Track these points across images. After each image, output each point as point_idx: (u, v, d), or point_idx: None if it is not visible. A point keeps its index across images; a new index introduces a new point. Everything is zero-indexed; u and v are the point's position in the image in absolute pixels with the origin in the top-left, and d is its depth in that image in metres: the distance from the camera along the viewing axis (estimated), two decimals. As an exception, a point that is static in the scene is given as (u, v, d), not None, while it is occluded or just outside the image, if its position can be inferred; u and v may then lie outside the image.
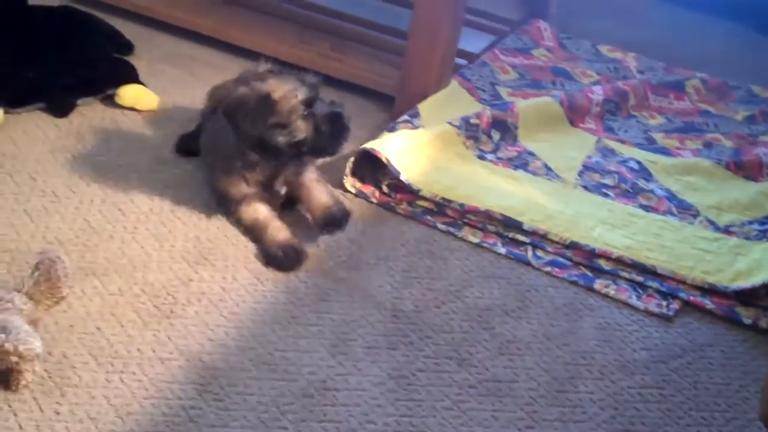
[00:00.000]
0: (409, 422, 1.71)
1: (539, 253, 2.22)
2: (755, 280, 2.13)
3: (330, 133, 2.06)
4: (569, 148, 2.65)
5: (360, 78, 2.82)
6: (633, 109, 2.93)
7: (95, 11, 2.90)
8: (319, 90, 2.10)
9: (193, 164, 2.35)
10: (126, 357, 1.76)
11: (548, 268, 2.17)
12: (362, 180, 2.35)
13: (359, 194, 2.32)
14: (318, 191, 2.16)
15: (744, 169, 2.63)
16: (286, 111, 2.02)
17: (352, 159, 2.32)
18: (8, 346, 1.53)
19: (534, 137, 2.66)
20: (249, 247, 2.10)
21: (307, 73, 2.12)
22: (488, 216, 2.27)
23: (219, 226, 2.15)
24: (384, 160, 2.28)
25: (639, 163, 2.62)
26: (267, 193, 2.16)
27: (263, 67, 2.28)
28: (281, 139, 2.03)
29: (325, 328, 1.90)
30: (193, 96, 2.66)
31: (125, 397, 1.67)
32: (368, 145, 2.32)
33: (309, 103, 2.04)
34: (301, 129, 2.03)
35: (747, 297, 2.13)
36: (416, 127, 2.51)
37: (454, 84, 2.81)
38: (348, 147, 2.20)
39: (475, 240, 2.23)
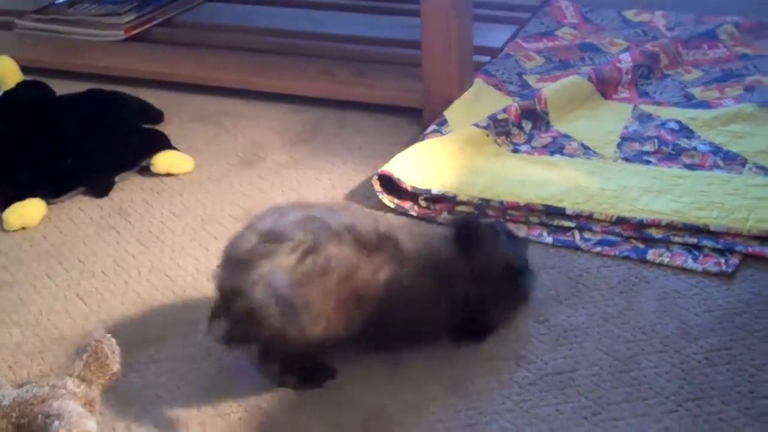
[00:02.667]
0: (471, 431, 1.69)
1: (587, 234, 2.18)
2: (814, 217, 2.05)
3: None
4: (605, 123, 2.60)
5: (386, 98, 2.84)
6: (667, 68, 2.87)
7: (122, 87, 2.96)
8: None
9: (236, 218, 2.38)
10: (186, 419, 1.78)
11: (598, 249, 2.13)
12: (399, 196, 2.35)
13: (399, 209, 2.32)
14: None
15: (790, 104, 2.54)
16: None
17: (375, 179, 2.32)
18: (62, 431, 1.57)
19: (567, 119, 2.63)
20: (296, 287, 2.11)
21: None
22: (529, 208, 2.24)
23: (264, 272, 2.16)
24: (396, 179, 2.28)
25: (678, 122, 2.55)
26: None
27: None
28: None
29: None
30: (227, 150, 2.72)
31: (191, 459, 1.70)
32: (382, 168, 2.33)
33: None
34: None
35: (809, 236, 2.05)
36: (444, 135, 2.49)
37: (478, 83, 2.79)
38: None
39: (521, 235, 2.20)
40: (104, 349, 1.77)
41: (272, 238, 1.69)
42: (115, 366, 1.79)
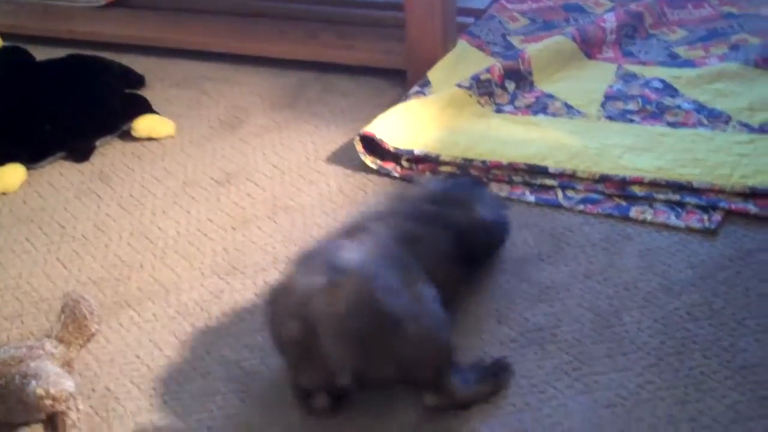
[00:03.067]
0: (452, 388, 1.68)
1: (569, 193, 2.17)
2: (797, 173, 2.04)
3: None
4: (589, 82, 2.58)
5: (369, 60, 2.81)
6: (651, 28, 2.85)
7: (102, 53, 2.94)
8: None
9: (217, 181, 2.37)
10: (166, 378, 1.78)
11: (581, 207, 2.12)
12: (382, 157, 2.33)
13: (381, 170, 2.30)
14: None
15: (775, 62, 2.52)
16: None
17: (357, 139, 2.31)
18: (40, 391, 1.57)
19: (551, 79, 2.61)
20: (277, 249, 2.10)
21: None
22: (512, 168, 2.23)
23: (246, 234, 2.15)
24: (378, 140, 2.26)
25: (662, 81, 2.54)
26: None
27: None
28: None
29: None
30: (208, 114, 2.70)
31: (170, 418, 1.69)
32: (364, 129, 2.31)
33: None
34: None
35: (793, 193, 2.04)
36: (427, 96, 2.47)
37: (462, 44, 2.76)
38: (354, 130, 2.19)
39: (503, 194, 2.19)
40: (82, 310, 1.76)
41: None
42: (93, 327, 1.79)
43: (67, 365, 1.71)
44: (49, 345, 1.70)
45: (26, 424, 1.69)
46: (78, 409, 1.68)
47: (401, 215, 1.79)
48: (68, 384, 1.61)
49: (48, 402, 1.58)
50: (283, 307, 1.59)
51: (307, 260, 1.64)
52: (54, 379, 1.59)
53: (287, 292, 1.59)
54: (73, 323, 1.76)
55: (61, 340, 1.74)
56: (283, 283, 1.64)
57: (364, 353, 1.51)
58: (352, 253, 1.59)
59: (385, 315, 1.51)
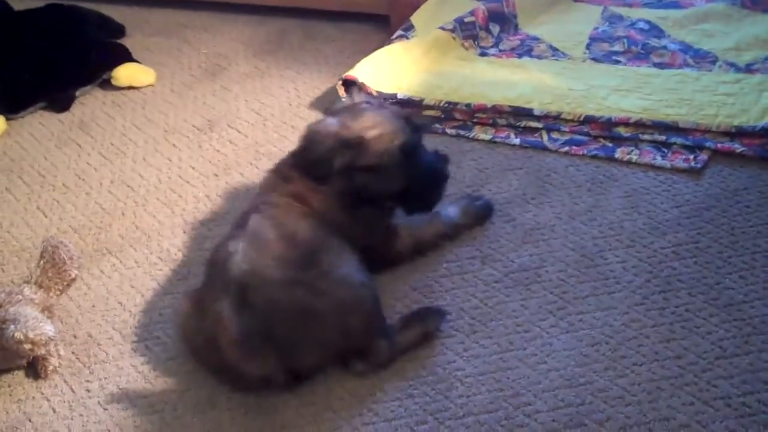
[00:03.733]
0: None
1: (554, 135, 2.15)
2: (783, 112, 2.02)
3: (426, 190, 1.79)
4: (574, 24, 2.55)
5: (352, 5, 2.78)
6: (637, -30, 2.80)
7: (82, 2, 2.89)
8: (423, 135, 1.80)
9: (199, 129, 2.34)
10: (148, 324, 1.77)
11: (566, 148, 2.10)
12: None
13: (364, 115, 2.27)
14: None
15: (762, 2, 2.48)
16: (379, 154, 1.69)
17: (339, 83, 2.28)
18: (18, 335, 1.55)
19: (536, 21, 2.58)
20: (260, 195, 2.08)
21: (411, 115, 1.82)
22: (497, 110, 2.20)
23: (228, 181, 2.14)
24: (360, 84, 2.24)
25: (648, 22, 2.51)
26: None
27: (359, 97, 1.92)
28: (370, 184, 1.71)
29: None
30: (190, 62, 2.67)
31: (151, 361, 1.68)
32: (347, 73, 2.29)
33: (408, 151, 1.72)
34: (395, 178, 1.72)
35: (779, 132, 2.02)
36: (410, 40, 2.44)
37: (446, -13, 2.72)
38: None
39: (487, 137, 2.17)
40: (61, 255, 1.75)
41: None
42: (73, 271, 1.77)
43: (47, 311, 1.69)
44: (28, 290, 1.69)
45: (8, 370, 1.68)
46: (59, 355, 1.67)
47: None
48: (47, 328, 1.59)
49: (27, 346, 1.57)
50: (199, 339, 1.59)
51: (210, 278, 1.62)
52: (33, 323, 1.57)
53: (200, 319, 1.57)
54: (53, 268, 1.74)
55: (40, 286, 1.72)
56: (191, 312, 1.62)
57: (286, 354, 1.52)
58: (238, 265, 1.54)
59: (289, 312, 1.51)
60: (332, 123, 1.71)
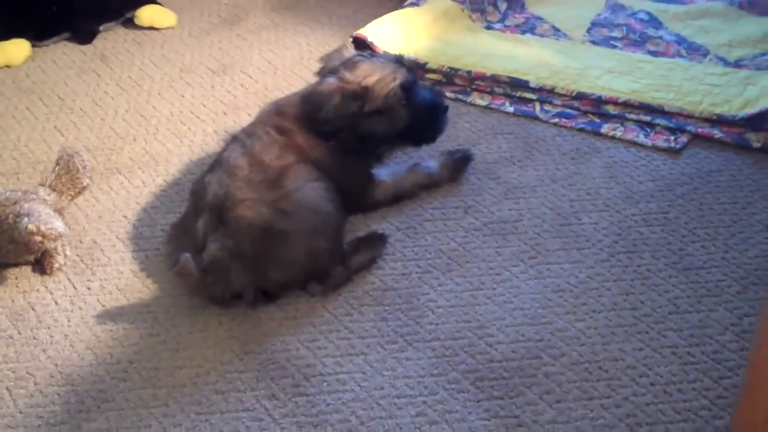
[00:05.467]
0: (415, 264, 1.80)
1: (547, 107, 2.27)
2: (763, 104, 2.14)
3: (429, 121, 1.93)
4: (579, 9, 2.67)
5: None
6: (645, -35, 2.92)
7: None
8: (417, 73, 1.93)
9: (213, 71, 2.46)
10: (150, 237, 1.89)
11: (556, 120, 2.23)
12: (372, 62, 2.42)
13: (370, 75, 2.40)
14: None
15: (759, 5, 2.61)
16: (384, 96, 1.84)
17: (350, 41, 2.40)
18: (31, 227, 1.68)
19: (543, 2, 2.70)
20: (264, 134, 2.20)
21: (403, 56, 1.95)
22: (495, 80, 2.33)
23: (236, 119, 2.26)
24: (369, 43, 2.36)
25: (649, 14, 2.63)
26: None
27: (349, 52, 2.02)
28: (379, 127, 1.86)
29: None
30: (210, 10, 2.78)
31: (150, 269, 1.81)
32: (357, 32, 2.41)
33: (408, 87, 1.87)
34: (401, 116, 1.88)
35: (757, 123, 2.14)
36: (421, 6, 2.57)
37: (460, -39, 2.83)
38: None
39: (484, 103, 2.29)
40: (75, 164, 1.87)
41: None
42: (86, 180, 1.89)
43: (59, 213, 1.82)
44: (43, 192, 1.82)
45: (16, 265, 1.81)
46: (66, 255, 1.80)
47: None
48: (58, 224, 1.72)
49: (38, 239, 1.69)
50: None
51: (191, 205, 1.80)
52: (45, 218, 1.70)
53: (184, 241, 1.76)
54: (66, 174, 1.87)
55: (54, 189, 1.85)
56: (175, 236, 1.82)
57: (254, 271, 1.67)
58: (214, 190, 1.72)
59: (255, 229, 1.66)
60: (332, 81, 1.84)
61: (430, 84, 2.35)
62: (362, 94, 1.82)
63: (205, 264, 1.64)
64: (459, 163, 2.02)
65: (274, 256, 1.66)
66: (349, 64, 1.88)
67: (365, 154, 1.91)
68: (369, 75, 1.84)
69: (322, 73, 1.95)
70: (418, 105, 1.88)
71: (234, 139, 1.84)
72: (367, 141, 1.85)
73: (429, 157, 2.03)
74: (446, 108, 1.96)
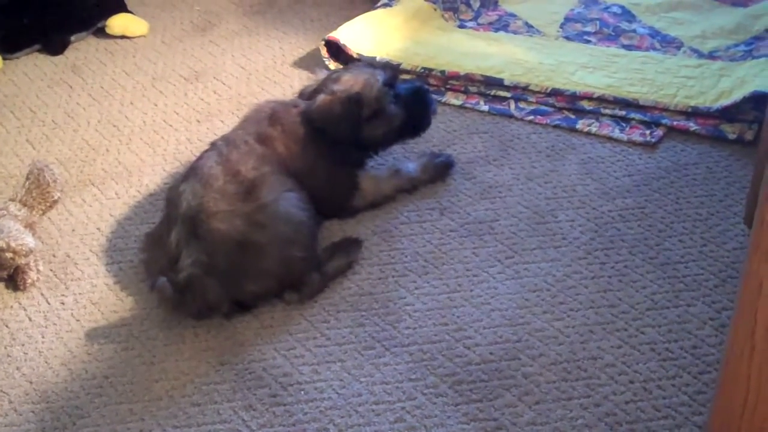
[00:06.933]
0: (392, 268, 1.79)
1: (521, 105, 2.26)
2: (737, 95, 2.13)
3: (420, 108, 1.96)
4: (551, 5, 2.67)
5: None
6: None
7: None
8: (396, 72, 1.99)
9: (186, 78, 2.45)
10: (124, 249, 1.88)
11: (531, 117, 2.22)
12: (346, 63, 2.41)
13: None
14: None
15: (732, -4, 2.61)
16: (374, 98, 1.88)
17: (322, 44, 2.39)
18: (1, 243, 1.66)
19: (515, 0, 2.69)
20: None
21: (375, 59, 1.98)
22: (469, 78, 2.32)
23: (209, 127, 2.24)
24: (342, 46, 2.35)
25: (622, 7, 2.62)
26: None
27: (323, 74, 2.03)
28: (379, 130, 1.91)
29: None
30: (182, 17, 2.76)
31: (123, 281, 1.79)
32: (329, 35, 2.40)
33: (391, 83, 1.91)
34: (395, 113, 1.91)
35: (732, 114, 2.14)
36: (393, 8, 2.56)
37: (431, -40, 2.82)
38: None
39: (458, 102, 2.29)
40: (46, 177, 1.86)
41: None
42: (56, 194, 1.88)
43: (30, 228, 1.80)
44: (13, 207, 1.80)
45: (-12, 282, 1.79)
46: (39, 270, 1.78)
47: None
48: (29, 240, 1.70)
49: (9, 255, 1.68)
50: (156, 269, 1.70)
51: (165, 215, 1.78)
52: (16, 234, 1.69)
53: (158, 252, 1.72)
54: (37, 189, 1.85)
55: (24, 204, 1.83)
56: (149, 246, 1.78)
57: (229, 283, 1.65)
58: (188, 200, 1.69)
59: (229, 241, 1.64)
60: (323, 97, 1.86)
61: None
62: (357, 98, 1.84)
63: (181, 284, 1.61)
64: (440, 168, 2.02)
65: (249, 268, 1.65)
66: (331, 80, 1.91)
67: (354, 162, 1.91)
68: (354, 83, 1.87)
69: (302, 96, 1.96)
70: (405, 96, 1.92)
71: (212, 146, 1.82)
72: (370, 147, 1.92)
73: (408, 160, 2.03)
74: (427, 89, 2.00)
